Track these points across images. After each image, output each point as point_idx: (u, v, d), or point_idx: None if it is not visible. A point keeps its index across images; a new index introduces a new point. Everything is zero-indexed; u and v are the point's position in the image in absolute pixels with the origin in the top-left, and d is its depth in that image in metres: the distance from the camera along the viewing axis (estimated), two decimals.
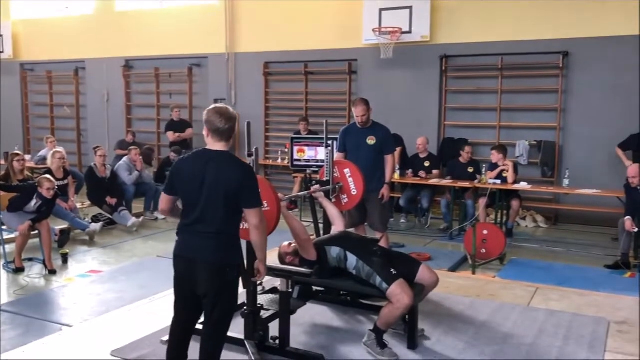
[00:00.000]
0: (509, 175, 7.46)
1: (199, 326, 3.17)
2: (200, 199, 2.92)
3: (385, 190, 5.57)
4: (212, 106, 3.00)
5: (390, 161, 5.66)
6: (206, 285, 2.97)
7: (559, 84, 8.28)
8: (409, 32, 8.81)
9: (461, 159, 8.12)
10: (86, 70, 12.36)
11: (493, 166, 7.68)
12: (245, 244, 3.64)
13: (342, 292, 4.57)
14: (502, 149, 7.71)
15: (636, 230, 6.00)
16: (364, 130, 5.58)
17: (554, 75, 8.36)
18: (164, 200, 3.12)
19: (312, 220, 5.07)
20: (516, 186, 7.43)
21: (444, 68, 9.00)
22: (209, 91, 10.98)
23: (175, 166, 3.08)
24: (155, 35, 11.23)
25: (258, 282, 3.46)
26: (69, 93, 12.68)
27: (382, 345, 3.70)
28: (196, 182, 2.93)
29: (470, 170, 8.00)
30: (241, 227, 3.46)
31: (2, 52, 12.87)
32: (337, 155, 5.64)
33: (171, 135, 10.19)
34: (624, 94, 7.86)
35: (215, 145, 2.97)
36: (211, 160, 2.94)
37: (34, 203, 6.04)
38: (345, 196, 4.95)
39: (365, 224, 5.71)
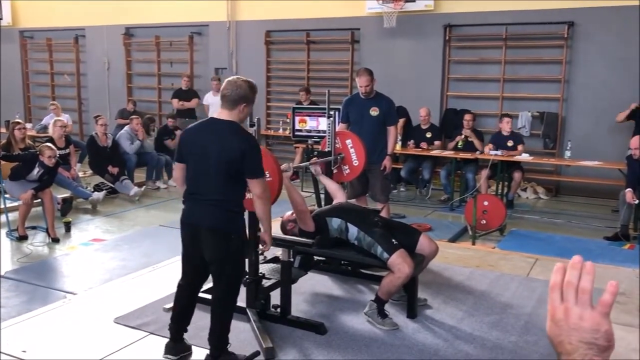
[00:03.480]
0: (476, 143, 7.72)
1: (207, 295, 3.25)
2: (204, 168, 2.99)
3: (387, 162, 5.56)
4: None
5: (393, 132, 5.64)
6: (212, 252, 3.05)
7: (564, 55, 8.19)
8: (413, 0, 8.69)
9: (464, 128, 8.08)
10: (86, 38, 12.24)
11: (497, 137, 7.68)
12: (247, 215, 3.66)
13: (342, 262, 4.61)
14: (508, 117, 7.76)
15: (637, 202, 6.01)
16: (367, 101, 5.54)
17: (558, 45, 8.27)
18: (176, 168, 3.29)
19: (313, 191, 5.08)
20: (518, 158, 7.42)
21: (447, 38, 8.90)
22: (210, 60, 10.89)
23: (183, 135, 3.19)
24: (155, 3, 11.08)
25: (260, 252, 3.53)
26: (69, 61, 12.59)
27: (383, 315, 3.75)
28: (200, 151, 2.99)
29: (471, 139, 7.98)
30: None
31: (1, 19, 12.67)
32: (340, 126, 5.62)
33: (175, 103, 10.18)
34: (628, 66, 7.78)
35: (221, 114, 3.05)
36: (216, 129, 3.00)
37: (36, 171, 6.05)
38: (347, 167, 4.95)
39: (367, 194, 5.72)
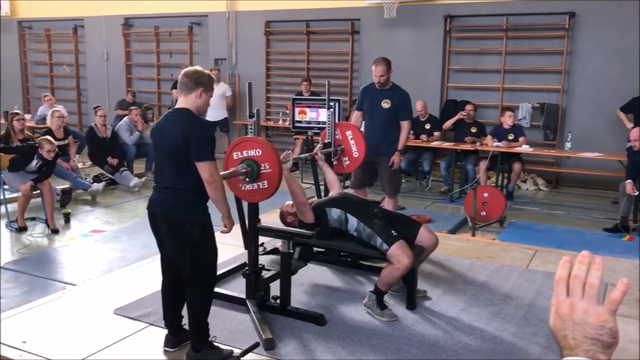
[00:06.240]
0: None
1: None
2: (159, 157, 3.06)
3: (395, 157, 5.38)
4: None
5: (405, 127, 5.39)
6: (168, 241, 3.07)
7: (564, 46, 8.16)
8: None
9: (466, 119, 8.08)
10: (85, 29, 12.19)
11: (497, 129, 7.67)
12: (247, 205, 3.66)
13: (342, 253, 4.61)
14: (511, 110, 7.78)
15: (637, 193, 6.01)
16: (381, 91, 5.36)
17: (559, 36, 8.24)
18: None
19: (313, 182, 5.07)
20: (518, 149, 7.41)
21: (448, 28, 8.86)
22: (210, 50, 10.85)
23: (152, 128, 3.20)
24: None
25: (260, 243, 3.51)
26: (68, 52, 12.54)
27: (382, 306, 3.74)
28: (157, 141, 3.04)
29: (474, 130, 7.98)
30: (242, 188, 3.47)
31: (0, 9, 12.68)
32: (355, 114, 5.57)
33: (175, 94, 10.13)
34: (629, 57, 7.75)
35: (179, 102, 3.08)
36: (169, 118, 3.04)
37: (34, 163, 6.04)
38: (347, 158, 4.93)
39: (368, 187, 5.68)
